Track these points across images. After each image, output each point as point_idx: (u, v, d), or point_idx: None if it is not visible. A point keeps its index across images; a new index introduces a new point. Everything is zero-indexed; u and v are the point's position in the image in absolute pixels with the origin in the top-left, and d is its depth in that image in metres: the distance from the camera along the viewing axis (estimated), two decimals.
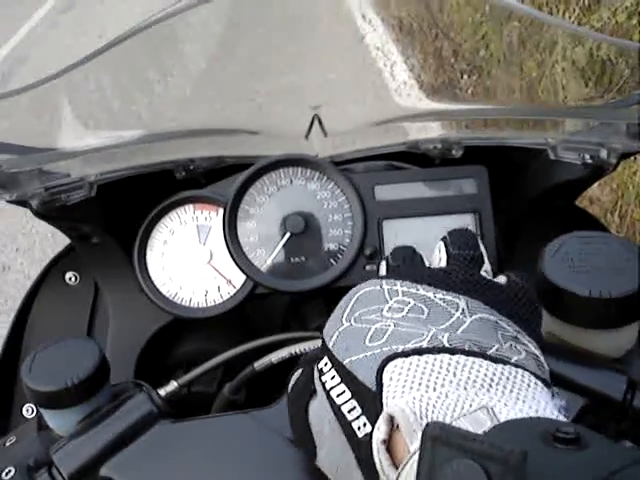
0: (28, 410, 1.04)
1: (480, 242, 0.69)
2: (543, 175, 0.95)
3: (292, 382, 0.71)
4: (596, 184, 3.51)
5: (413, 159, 1.03)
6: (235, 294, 0.98)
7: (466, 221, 0.97)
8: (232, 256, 0.96)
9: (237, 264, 0.96)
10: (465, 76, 4.87)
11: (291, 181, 0.98)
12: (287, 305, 1.08)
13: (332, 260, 0.97)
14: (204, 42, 1.20)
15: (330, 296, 1.01)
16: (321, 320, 1.03)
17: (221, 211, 0.98)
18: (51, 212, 0.89)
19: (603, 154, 0.84)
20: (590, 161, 0.85)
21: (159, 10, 0.89)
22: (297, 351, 0.84)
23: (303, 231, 0.96)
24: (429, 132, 1.06)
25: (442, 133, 1.04)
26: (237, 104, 1.14)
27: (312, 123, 1.06)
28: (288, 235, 0.96)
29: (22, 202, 0.87)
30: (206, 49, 1.21)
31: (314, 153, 1.05)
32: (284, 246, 0.96)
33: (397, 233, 0.97)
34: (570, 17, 5.07)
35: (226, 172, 1.02)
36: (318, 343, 0.84)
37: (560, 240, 0.74)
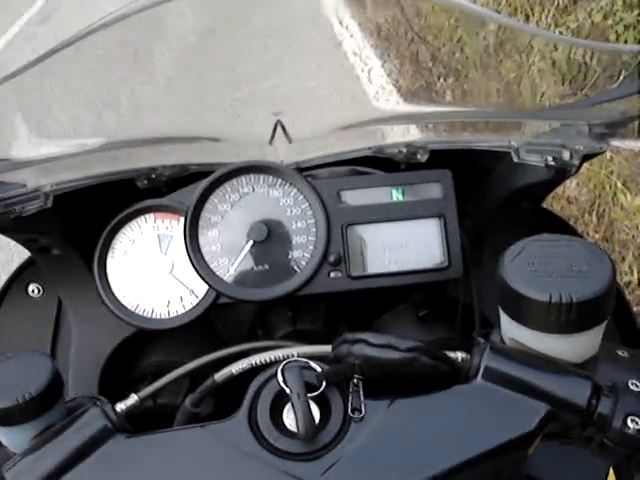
0: None
1: None
2: (508, 178, 0.94)
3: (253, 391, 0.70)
4: (573, 184, 3.52)
5: (379, 164, 1.02)
6: (198, 304, 0.97)
7: (431, 226, 0.96)
8: (194, 265, 0.94)
9: (199, 274, 0.94)
10: (441, 79, 4.89)
11: (253, 188, 0.96)
12: (253, 314, 1.06)
13: (296, 267, 0.95)
14: (173, 48, 1.18)
15: (295, 303, 0.99)
16: (287, 328, 1.02)
17: (182, 220, 0.96)
18: (6, 224, 0.87)
19: (565, 156, 0.83)
20: (553, 163, 0.84)
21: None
22: (258, 362, 0.82)
23: (266, 239, 0.94)
24: (394, 137, 1.04)
25: (407, 138, 1.03)
26: (201, 111, 1.12)
27: (275, 129, 1.04)
28: (251, 243, 0.94)
29: None
30: (174, 55, 1.20)
31: (279, 160, 1.04)
32: (247, 254, 0.95)
33: (362, 239, 0.95)
34: (546, 18, 5.10)
35: (189, 180, 1.00)
36: (277, 354, 0.83)
37: (521, 244, 0.73)
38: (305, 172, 0.99)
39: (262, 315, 1.06)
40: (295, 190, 0.96)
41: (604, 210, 3.25)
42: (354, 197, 0.96)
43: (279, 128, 1.03)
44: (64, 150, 0.92)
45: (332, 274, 0.94)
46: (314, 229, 0.95)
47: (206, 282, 0.94)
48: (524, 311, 0.69)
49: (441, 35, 5.39)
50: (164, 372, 1.01)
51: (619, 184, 3.14)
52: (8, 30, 8.08)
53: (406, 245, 0.95)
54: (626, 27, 4.51)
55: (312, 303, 1.03)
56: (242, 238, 0.95)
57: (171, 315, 0.97)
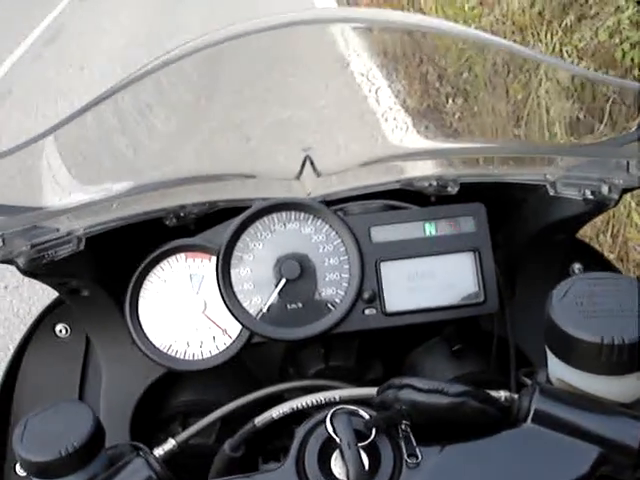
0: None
1: None
2: (543, 211, 0.93)
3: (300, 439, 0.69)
4: None
5: (408, 197, 1.01)
6: (231, 344, 0.95)
7: (465, 260, 0.94)
8: (226, 305, 0.93)
9: (232, 313, 0.93)
10: (450, 100, 4.90)
11: (285, 225, 0.96)
12: (284, 352, 1.05)
13: (330, 305, 0.94)
14: (186, 89, 1.18)
15: (327, 340, 0.98)
16: (319, 365, 1.01)
17: (214, 259, 0.95)
18: (39, 269, 0.86)
19: (604, 190, 0.82)
20: (591, 197, 0.83)
21: (146, 63, 0.87)
22: (299, 406, 0.81)
23: (299, 276, 0.93)
24: (423, 170, 1.04)
25: (437, 170, 1.02)
26: (226, 148, 1.12)
27: (304, 164, 1.04)
28: (284, 281, 0.93)
29: (8, 261, 0.84)
30: (189, 95, 1.20)
31: (306, 193, 1.03)
32: (280, 292, 0.94)
33: (396, 275, 0.94)
34: (552, 38, 5.11)
35: (218, 217, 1.00)
36: (319, 397, 0.82)
37: (568, 282, 0.71)
38: (335, 206, 0.98)
39: (293, 352, 1.05)
40: (327, 226, 0.95)
41: (618, 230, 3.23)
42: (386, 232, 0.95)
43: (308, 163, 1.03)
44: (95, 196, 0.92)
45: (367, 311, 0.93)
46: (347, 266, 0.94)
47: (239, 321, 0.93)
48: (574, 353, 0.67)
49: (448, 55, 5.42)
50: (195, 412, 1.00)
51: (633, 204, 3.13)
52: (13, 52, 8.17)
53: (441, 280, 0.94)
54: (632, 45, 4.51)
55: (345, 339, 1.02)
56: (274, 276, 0.94)
57: (204, 356, 0.96)
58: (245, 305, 0.94)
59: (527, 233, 0.97)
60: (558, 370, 0.72)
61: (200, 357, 0.96)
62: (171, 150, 1.07)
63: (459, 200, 0.97)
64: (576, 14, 5.17)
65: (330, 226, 0.95)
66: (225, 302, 0.93)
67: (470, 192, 0.98)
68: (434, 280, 0.94)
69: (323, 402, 0.81)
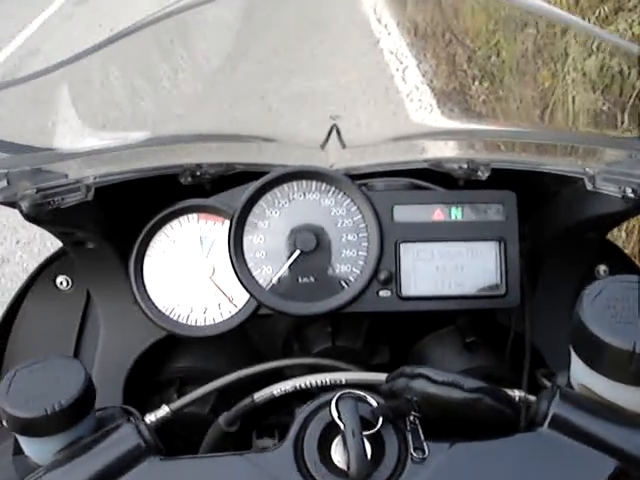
0: None
1: None
2: (577, 206, 0.88)
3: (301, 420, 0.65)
4: None
5: (435, 178, 0.96)
6: (236, 313, 0.92)
7: (490, 249, 0.90)
8: (236, 272, 0.89)
9: (241, 281, 0.89)
10: (477, 82, 4.81)
11: (304, 195, 0.91)
12: (290, 326, 1.01)
13: (343, 283, 0.90)
14: (218, 40, 1.13)
15: (336, 319, 0.94)
16: (326, 344, 0.97)
17: (227, 223, 0.91)
18: (43, 215, 0.82)
19: None
20: (632, 195, 0.78)
21: (171, 3, 0.82)
22: (302, 385, 0.77)
23: (314, 249, 0.89)
24: (453, 151, 0.99)
25: (468, 153, 0.97)
26: (249, 108, 1.07)
27: (330, 133, 0.99)
28: (297, 253, 0.89)
29: (11, 204, 0.80)
30: (220, 48, 1.15)
31: (329, 165, 0.99)
32: (292, 264, 0.89)
33: (415, 258, 0.90)
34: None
35: (235, 180, 0.95)
36: (324, 378, 0.78)
37: (600, 283, 0.67)
38: (358, 181, 0.94)
39: (300, 328, 1.01)
40: (348, 200, 0.91)
41: (634, 226, 3.17)
42: (410, 213, 0.91)
43: (334, 132, 0.98)
44: (108, 143, 0.88)
45: (381, 293, 0.89)
46: (365, 243, 0.90)
47: (247, 290, 0.89)
48: (602, 359, 0.63)
49: (478, 39, 5.32)
50: (193, 379, 0.97)
51: None
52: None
53: (462, 268, 0.90)
54: None
55: (354, 320, 0.98)
56: (288, 247, 0.90)
57: (207, 322, 0.92)
58: (255, 274, 0.90)
59: (557, 227, 0.92)
60: (582, 375, 0.68)
61: (203, 323, 0.92)
62: (192, 105, 1.02)
63: (489, 186, 0.92)
64: (613, 5, 5.06)
65: (352, 200, 0.90)
66: (235, 269, 0.89)
67: (501, 179, 0.93)
68: (455, 267, 0.90)
69: (328, 383, 0.77)
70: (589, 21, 4.95)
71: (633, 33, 4.57)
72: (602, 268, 1.03)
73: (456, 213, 0.90)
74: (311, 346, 1.00)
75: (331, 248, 0.90)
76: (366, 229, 0.90)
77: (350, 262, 0.90)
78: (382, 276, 0.89)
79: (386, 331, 1.03)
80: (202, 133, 0.99)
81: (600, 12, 5.05)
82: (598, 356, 0.63)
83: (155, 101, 0.97)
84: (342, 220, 0.90)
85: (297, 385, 0.77)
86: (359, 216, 0.90)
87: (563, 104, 4.22)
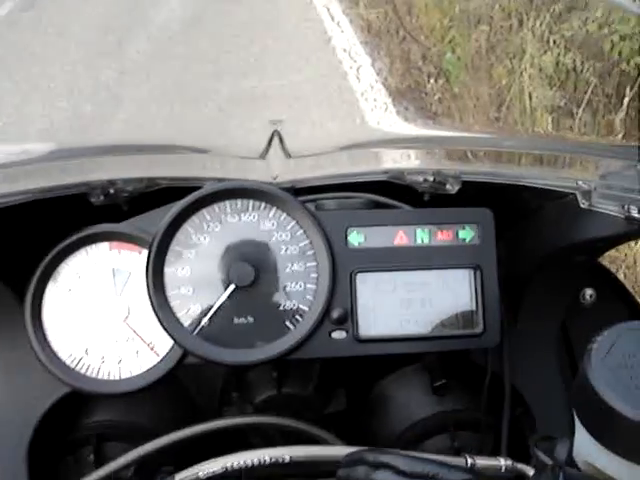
0: None
1: None
2: (567, 226, 0.74)
3: None
4: None
5: (397, 193, 0.81)
6: (158, 364, 0.75)
7: (463, 279, 0.75)
8: (156, 313, 0.73)
9: (162, 324, 0.73)
10: (432, 80, 4.71)
11: (239, 216, 0.75)
12: (228, 371, 0.85)
13: (288, 323, 0.74)
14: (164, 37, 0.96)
15: (283, 363, 0.79)
16: (270, 392, 0.82)
17: (145, 252, 0.74)
18: None
19: None
20: (638, 215, 0.64)
21: None
22: (235, 465, 0.61)
23: (252, 283, 0.73)
24: (418, 161, 0.84)
25: (435, 163, 0.82)
26: (174, 115, 0.90)
27: (271, 140, 0.83)
28: (232, 288, 0.73)
29: None
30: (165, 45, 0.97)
31: (272, 177, 0.83)
32: (226, 302, 0.73)
33: (375, 291, 0.75)
34: (541, 25, 4.96)
35: (158, 199, 0.78)
36: (263, 455, 0.62)
37: (611, 334, 0.53)
38: (305, 197, 0.78)
39: (240, 373, 0.85)
40: (293, 222, 0.75)
41: None
42: (368, 236, 0.76)
43: (276, 140, 0.82)
44: (5, 157, 0.70)
45: (334, 334, 0.74)
46: (314, 274, 0.74)
47: (170, 336, 0.73)
48: (616, 433, 0.49)
49: (432, 35, 5.21)
50: (113, 435, 0.82)
51: None
52: None
53: (430, 302, 0.75)
54: (622, 38, 4.39)
55: (304, 362, 0.82)
56: (221, 280, 0.74)
57: (122, 376, 0.75)
58: (180, 315, 0.74)
59: (541, 250, 0.79)
60: (588, 450, 0.54)
61: (117, 377, 0.75)
62: (104, 107, 0.85)
63: (460, 202, 0.78)
64: (566, 3, 5.03)
65: (297, 222, 0.75)
66: (154, 309, 0.73)
67: (474, 193, 0.79)
68: (422, 301, 0.76)
69: (267, 462, 0.61)
70: (544, 18, 4.91)
71: (587, 30, 4.53)
72: (588, 292, 0.89)
73: (422, 236, 0.76)
74: (253, 394, 0.85)
75: (273, 281, 0.74)
76: (315, 257, 0.74)
77: (297, 298, 0.74)
78: (335, 314, 0.73)
79: (342, 372, 0.87)
80: (117, 144, 0.82)
81: (554, 10, 5.00)
82: (610, 429, 0.50)
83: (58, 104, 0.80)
84: (286, 247, 0.75)
85: (229, 465, 0.61)
86: (306, 242, 0.75)
87: (520, 101, 4.17)
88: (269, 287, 0.75)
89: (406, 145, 0.87)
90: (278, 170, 0.86)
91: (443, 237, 0.76)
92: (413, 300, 0.76)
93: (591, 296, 0.90)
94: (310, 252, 0.75)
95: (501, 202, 0.79)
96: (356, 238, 0.75)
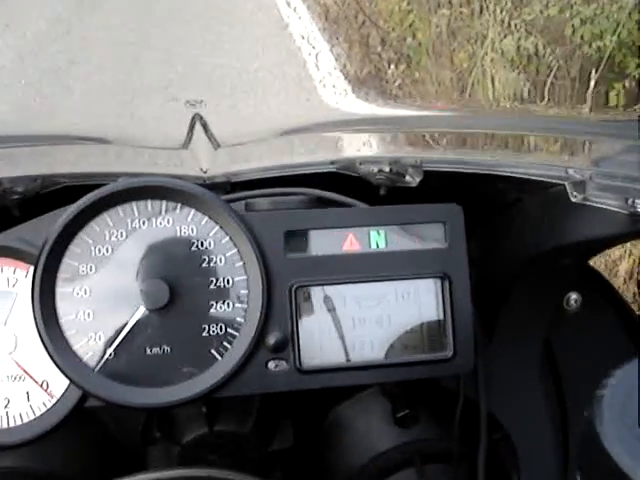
0: None
1: None
2: (555, 224, 0.61)
3: None
4: None
5: (346, 187, 0.67)
6: (54, 408, 0.60)
7: (428, 291, 0.62)
8: (46, 346, 0.58)
9: (54, 360, 0.58)
10: (392, 66, 4.59)
11: (150, 222, 0.61)
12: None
13: (214, 352, 0.60)
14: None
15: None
16: (200, 431, 0.67)
17: (32, 270, 0.59)
18: None
19: None
20: None
21: None
22: None
23: (167, 305, 0.59)
24: (372, 148, 0.70)
25: (392, 151, 0.68)
26: (85, 98, 0.75)
27: (193, 126, 0.68)
28: (142, 311, 0.59)
29: None
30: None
31: (200, 171, 0.69)
32: (136, 329, 0.59)
33: (320, 309, 0.61)
34: (502, 11, 4.88)
35: (57, 201, 0.63)
36: None
37: (626, 379, 0.39)
38: (232, 195, 0.64)
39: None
40: (217, 228, 0.61)
41: None
42: (311, 242, 0.62)
43: (198, 126, 0.68)
44: None
45: (272, 365, 0.60)
46: (245, 291, 0.60)
47: (66, 374, 0.58)
48: None
49: (391, 19, 5.08)
50: None
51: None
52: None
53: (389, 320, 0.62)
54: (582, 21, 4.33)
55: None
56: (128, 302, 0.59)
57: (10, 423, 0.60)
58: (77, 348, 0.59)
59: (522, 253, 0.66)
60: None
61: (3, 424, 0.60)
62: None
63: (422, 197, 0.64)
64: None
65: (221, 227, 0.60)
66: (43, 341, 0.58)
67: (439, 186, 0.65)
68: (379, 320, 0.62)
69: None
70: (505, 3, 4.84)
71: (549, 15, 4.47)
72: (573, 297, 0.76)
73: (378, 239, 0.62)
74: (181, 433, 0.70)
75: (194, 301, 0.60)
76: (245, 270, 0.60)
77: (224, 320, 0.60)
78: (272, 339, 0.59)
79: (287, 401, 0.73)
80: (9, 134, 0.67)
81: None
82: None
83: None
84: (209, 258, 0.61)
85: None
86: (234, 251, 0.60)
87: (483, 85, 4.09)
88: (189, 309, 0.60)
89: (358, 128, 0.73)
90: (205, 163, 0.72)
91: (403, 240, 0.62)
92: (368, 319, 0.62)
93: (576, 301, 0.77)
94: (239, 263, 0.60)
95: (472, 195, 0.66)
96: (296, 245, 0.61)
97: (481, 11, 4.94)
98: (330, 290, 0.61)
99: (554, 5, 4.43)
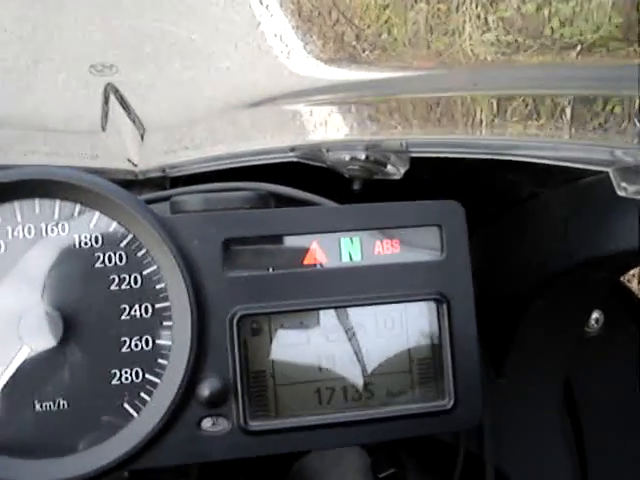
0: None
1: None
2: (595, 228, 0.45)
3: None
4: None
5: (309, 180, 0.51)
6: None
7: (420, 317, 0.46)
8: None
9: None
10: (366, 52, 4.51)
11: (39, 229, 0.44)
12: None
13: (129, 407, 0.44)
14: None
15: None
16: None
17: None
18: None
19: None
20: None
21: None
22: None
23: (61, 343, 0.42)
24: (341, 128, 0.54)
25: (367, 130, 0.53)
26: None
27: (107, 100, 0.53)
28: (27, 352, 0.42)
29: None
30: None
31: (129, 162, 0.54)
32: (19, 376, 0.42)
33: (276, 345, 0.45)
34: (477, 7, 4.79)
35: None
36: None
37: None
38: (154, 194, 0.48)
39: None
40: (130, 237, 0.44)
41: None
42: (261, 254, 0.45)
43: (113, 100, 0.52)
44: None
45: (206, 424, 0.44)
46: (168, 323, 0.44)
47: None
48: None
49: (367, 15, 4.97)
50: None
51: None
52: None
53: (368, 358, 0.46)
54: (562, 24, 4.25)
55: None
56: (9, 340, 0.43)
57: None
58: None
59: (541, 265, 0.49)
60: None
61: None
62: None
63: (409, 193, 0.48)
64: None
65: (136, 236, 0.44)
66: None
67: (431, 178, 0.49)
68: (355, 356, 0.46)
69: None
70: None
71: (526, 11, 4.39)
72: (594, 316, 0.61)
73: (350, 250, 0.46)
74: None
75: (98, 337, 0.44)
76: (168, 294, 0.44)
77: (140, 364, 0.44)
78: (206, 390, 0.44)
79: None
80: None
81: None
82: None
83: None
84: (119, 278, 0.44)
85: None
86: (153, 268, 0.45)
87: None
88: (91, 348, 0.44)
89: (323, 99, 0.57)
90: (133, 152, 0.56)
91: (384, 251, 0.46)
92: (339, 356, 0.46)
93: (597, 321, 0.62)
94: (160, 285, 0.44)
95: (474, 189, 0.50)
96: (239, 258, 0.45)
97: (457, 8, 4.85)
98: (287, 319, 0.45)
99: (530, 1, 4.34)
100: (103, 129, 0.56)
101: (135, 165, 0.57)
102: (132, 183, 0.57)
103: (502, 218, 0.54)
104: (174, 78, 0.60)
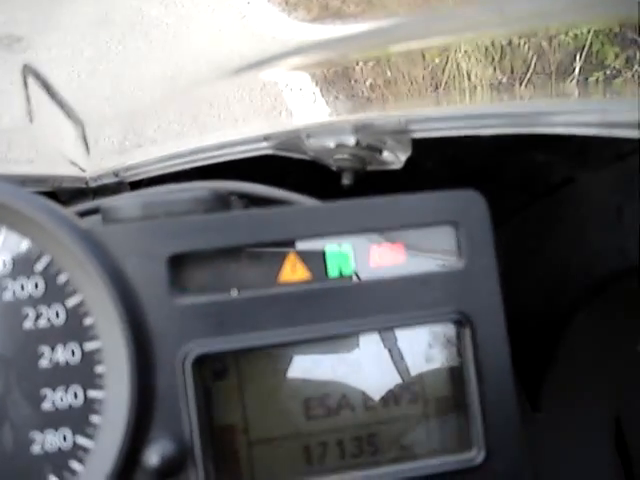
0: None
1: None
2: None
3: None
4: None
5: (291, 172, 0.41)
6: None
7: (435, 344, 0.35)
8: None
9: None
10: (360, 63, 4.40)
11: None
12: None
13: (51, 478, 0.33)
14: None
15: None
16: None
17: None
18: None
19: None
20: None
21: None
22: None
23: None
24: (323, 106, 0.43)
25: (357, 104, 0.42)
26: None
27: (26, 84, 0.43)
28: None
29: None
30: None
31: (77, 167, 0.45)
32: None
33: (244, 395, 0.34)
34: None
35: None
36: None
37: None
38: (90, 204, 0.38)
39: None
40: (48, 258, 0.34)
41: None
42: (221, 272, 0.35)
43: (32, 85, 0.42)
44: None
45: None
46: (102, 368, 0.33)
47: None
48: None
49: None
50: None
51: None
52: None
53: (369, 400, 0.35)
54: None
55: None
56: None
57: None
58: None
59: (584, 268, 0.38)
60: None
61: None
62: None
63: (412, 186, 0.38)
64: None
65: (55, 258, 0.33)
66: None
67: (439, 164, 0.39)
68: (348, 403, 0.35)
69: None
70: None
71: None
72: None
73: (339, 260, 0.35)
74: None
75: (10, 393, 0.33)
76: (97, 332, 0.33)
77: (67, 424, 0.33)
78: (154, 457, 0.33)
79: None
80: None
81: None
82: None
83: None
84: (36, 313, 0.33)
85: None
86: (78, 299, 0.33)
87: (457, 80, 3.93)
88: (2, 406, 0.33)
89: (308, 62, 0.47)
90: (78, 152, 0.46)
91: (384, 259, 0.36)
92: (331, 401, 0.35)
93: None
94: (88, 320, 0.33)
95: (493, 176, 0.40)
96: (192, 279, 0.34)
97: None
98: (260, 357, 0.35)
99: None
100: (30, 121, 0.46)
101: (83, 170, 0.47)
102: (83, 193, 0.46)
103: (530, 210, 0.44)
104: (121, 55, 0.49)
